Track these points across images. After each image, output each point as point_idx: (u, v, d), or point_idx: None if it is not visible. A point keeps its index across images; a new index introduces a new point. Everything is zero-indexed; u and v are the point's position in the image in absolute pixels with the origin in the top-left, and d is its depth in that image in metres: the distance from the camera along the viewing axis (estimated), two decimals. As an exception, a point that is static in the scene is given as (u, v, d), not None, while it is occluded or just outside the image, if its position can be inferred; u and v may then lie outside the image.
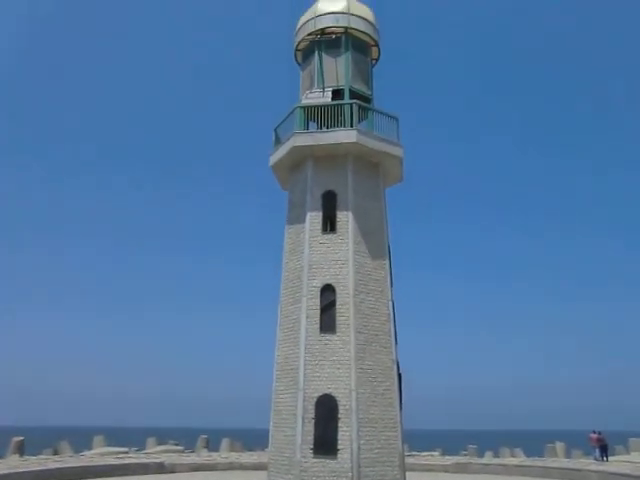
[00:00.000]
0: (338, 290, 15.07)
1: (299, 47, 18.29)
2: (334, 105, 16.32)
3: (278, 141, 17.28)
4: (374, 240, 16.07)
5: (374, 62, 18.64)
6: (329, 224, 15.84)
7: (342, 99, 16.68)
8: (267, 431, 15.62)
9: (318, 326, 14.85)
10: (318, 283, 15.23)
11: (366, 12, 17.88)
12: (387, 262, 16.25)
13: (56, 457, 26.62)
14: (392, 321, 15.74)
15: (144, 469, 22.78)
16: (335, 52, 17.31)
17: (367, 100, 17.40)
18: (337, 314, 14.88)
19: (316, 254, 15.52)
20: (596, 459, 28.18)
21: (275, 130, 17.55)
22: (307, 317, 14.96)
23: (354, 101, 16.29)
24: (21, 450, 27.59)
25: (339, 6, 17.47)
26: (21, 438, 28.55)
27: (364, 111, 16.79)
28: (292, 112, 16.75)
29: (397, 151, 16.68)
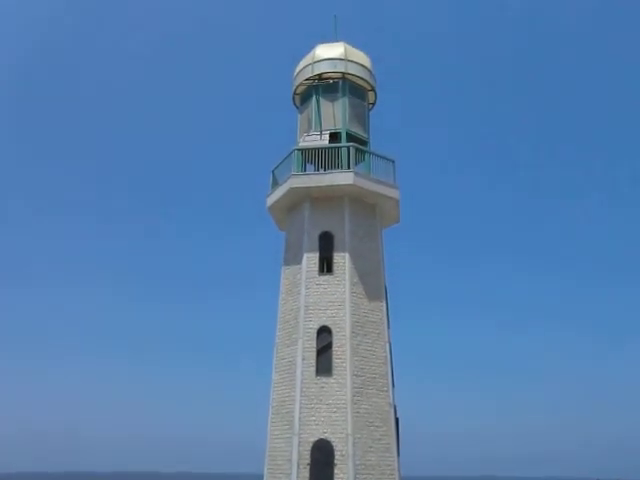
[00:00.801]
0: (335, 332, 14.96)
1: (297, 91, 18.72)
2: (331, 148, 16.59)
3: (275, 183, 17.48)
4: (371, 281, 16.06)
5: (371, 106, 19.06)
6: (326, 265, 15.85)
7: (339, 142, 16.98)
8: (261, 477, 15.21)
9: (314, 368, 14.66)
10: (314, 325, 15.12)
11: (363, 58, 18.39)
12: (384, 304, 16.19)
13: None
14: (389, 364, 15.56)
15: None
16: (332, 96, 17.71)
17: (364, 143, 17.71)
18: (333, 356, 14.72)
19: (313, 295, 15.46)
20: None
21: (273, 172, 17.77)
22: (303, 359, 14.79)
23: (351, 144, 16.57)
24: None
25: (336, 52, 17.99)
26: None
27: (361, 154, 17.05)
28: (290, 154, 17.00)
29: (393, 193, 16.87)
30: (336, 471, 13.69)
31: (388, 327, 16.08)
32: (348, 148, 16.43)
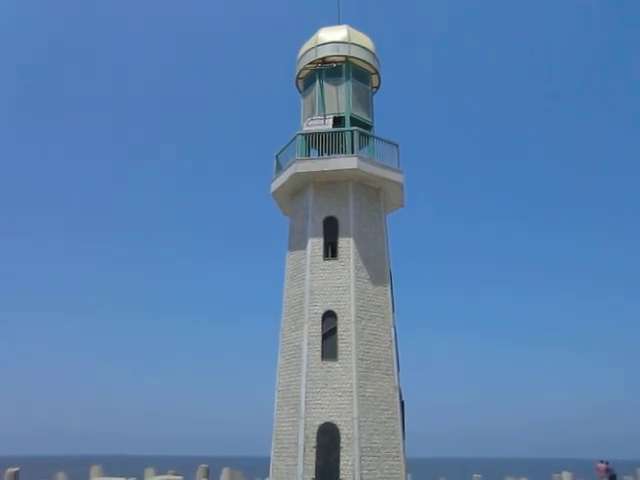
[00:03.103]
0: (340, 316, 14.99)
1: (300, 75, 18.56)
2: (335, 132, 16.49)
3: (279, 168, 17.42)
4: (375, 266, 16.06)
5: (374, 90, 18.91)
6: (330, 250, 15.84)
7: (343, 126, 16.87)
8: (268, 460, 15.36)
9: (320, 353, 14.73)
10: (319, 309, 15.16)
11: (366, 41, 18.20)
12: (389, 288, 16.21)
13: (53, 487, 26.11)
14: (394, 347, 15.61)
15: (142, 500, 22.29)
16: (336, 80, 17.57)
17: (368, 127, 17.59)
18: (339, 341, 14.77)
19: (317, 280, 15.48)
20: (603, 489, 27.58)
21: (276, 157, 17.71)
22: (309, 344, 14.85)
23: (355, 128, 16.47)
24: (17, 481, 27.07)
25: (340, 35, 17.80)
26: (16, 469, 28.05)
27: (365, 138, 16.95)
28: (293, 139, 16.92)
29: (397, 177, 16.79)
30: (342, 454, 13.81)
31: (393, 311, 16.10)
32: (352, 132, 16.33)
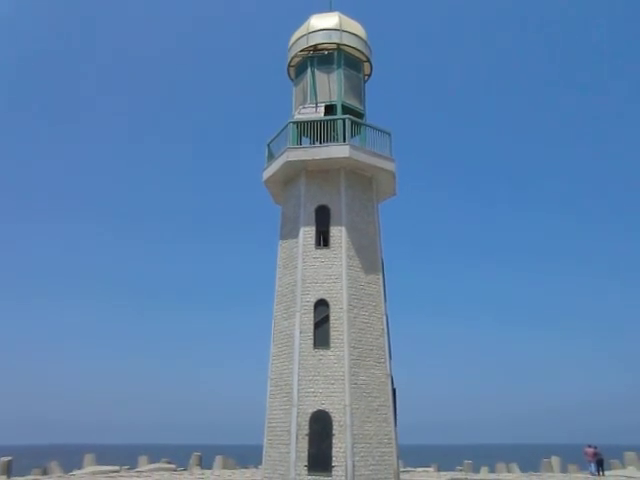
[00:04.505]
0: (332, 305, 15.03)
1: (292, 63, 18.43)
2: (327, 120, 16.41)
3: (271, 156, 17.34)
4: (368, 255, 16.08)
5: (366, 78, 18.81)
6: (322, 239, 15.84)
7: (335, 114, 16.79)
8: (261, 448, 15.45)
9: (312, 341, 14.77)
10: (312, 298, 15.18)
11: (358, 29, 18.07)
12: (381, 277, 16.25)
13: (45, 477, 26.14)
14: (386, 336, 15.69)
15: (136, 488, 22.36)
16: (327, 68, 17.45)
17: (359, 115, 17.53)
18: (331, 329, 14.82)
19: (309, 269, 15.49)
20: (592, 474, 28.03)
21: (268, 145, 17.62)
22: (301, 332, 14.89)
23: (347, 116, 16.39)
24: (8, 471, 27.02)
25: (331, 22, 17.66)
26: (8, 458, 28.02)
27: (357, 126, 16.90)
28: (285, 127, 16.82)
29: (390, 165, 16.77)
30: (334, 441, 13.90)
31: (385, 300, 16.16)
32: (344, 120, 16.26)
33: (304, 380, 14.45)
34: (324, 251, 15.65)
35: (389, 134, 17.16)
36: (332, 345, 14.68)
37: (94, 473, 27.60)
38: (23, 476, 27.07)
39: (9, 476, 26.26)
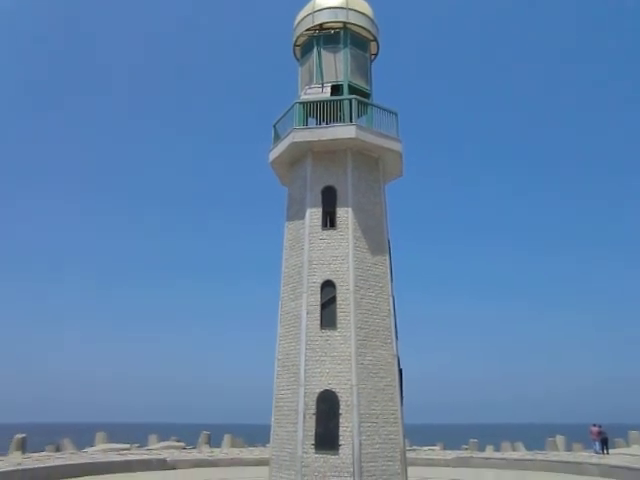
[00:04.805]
0: (338, 286, 15.08)
1: (297, 43, 18.23)
2: (333, 101, 16.29)
3: (277, 137, 17.27)
4: (374, 236, 16.07)
5: (373, 57, 18.60)
6: (329, 220, 15.83)
7: (341, 95, 16.65)
8: (269, 427, 15.66)
9: (319, 322, 14.86)
10: (318, 279, 15.24)
11: (365, 7, 17.81)
12: (387, 258, 16.26)
13: (58, 454, 26.72)
14: (393, 317, 15.75)
15: (146, 465, 22.86)
16: (334, 47, 17.25)
17: (366, 95, 17.37)
18: (338, 310, 14.89)
19: (316, 250, 15.52)
20: (596, 452, 28.29)
21: (274, 126, 17.53)
22: (308, 313, 14.97)
23: (353, 96, 16.25)
24: (23, 447, 27.70)
25: (337, 1, 17.40)
26: (23, 435, 28.67)
27: (363, 106, 16.75)
28: (291, 108, 16.71)
29: (396, 146, 16.66)
30: (341, 420, 14.06)
31: (391, 281, 16.19)
32: (350, 101, 16.13)
33: (311, 360, 14.58)
34: (330, 232, 15.65)
35: (396, 114, 17.02)
36: (339, 326, 14.77)
37: (105, 450, 28.16)
38: (37, 452, 27.70)
39: (24, 452, 26.91)
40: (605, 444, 28.53)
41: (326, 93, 16.62)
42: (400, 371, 15.55)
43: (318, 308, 14.98)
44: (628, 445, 33.00)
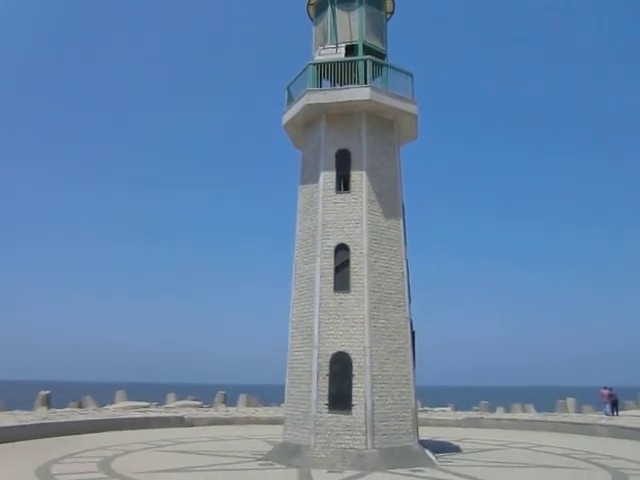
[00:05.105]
0: (352, 249, 15.13)
1: (311, 1, 17.79)
2: (348, 61, 15.98)
3: (291, 99, 17.06)
4: (388, 199, 16.00)
5: (389, 16, 18.11)
6: (343, 183, 15.77)
7: (356, 55, 16.32)
8: (283, 387, 16.01)
9: (332, 285, 14.98)
10: (332, 243, 15.29)
11: (380, -38, 17.23)
12: (401, 221, 16.22)
13: (81, 410, 27.69)
14: (406, 280, 15.82)
15: (165, 423, 23.58)
16: (348, 6, 16.82)
17: (381, 56, 17.00)
18: (351, 273, 14.98)
19: (330, 214, 15.52)
20: (606, 414, 28.57)
21: (288, 88, 17.29)
22: (321, 276, 15.09)
23: (368, 57, 15.93)
24: (48, 403, 28.79)
25: (352, -44, 16.85)
26: (47, 392, 29.75)
27: (378, 67, 16.42)
28: (305, 69, 16.44)
29: (412, 108, 16.39)
30: (354, 381, 14.33)
31: (405, 244, 16.20)
32: (365, 61, 15.81)
33: (324, 323, 14.77)
34: (344, 195, 15.61)
35: (411, 75, 16.68)
36: (352, 289, 14.88)
37: (125, 408, 29.10)
38: (61, 408, 28.75)
39: (49, 407, 28.00)
40: (615, 406, 28.78)
41: (340, 54, 16.30)
42: (413, 334, 15.72)
43: (332, 271, 15.08)
44: (638, 407, 33.29)
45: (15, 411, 25.70)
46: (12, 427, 18.39)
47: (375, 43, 16.97)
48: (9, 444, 16.89)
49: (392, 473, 12.82)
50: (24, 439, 17.75)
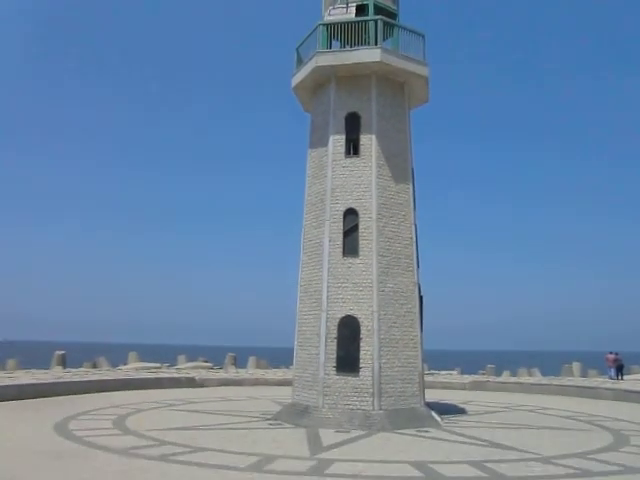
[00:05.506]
0: (361, 214, 15.10)
1: (321, -42, 17.25)
2: (358, 22, 15.61)
3: (300, 61, 16.76)
4: (398, 163, 15.86)
5: (401, -27, 17.55)
6: (352, 147, 15.62)
7: (366, 15, 15.92)
8: (291, 350, 16.27)
9: (341, 250, 15.03)
10: (341, 207, 15.26)
11: None
12: (410, 186, 16.11)
13: (95, 370, 28.41)
14: (414, 244, 15.83)
15: (176, 383, 24.14)
16: (359, -37, 16.28)
17: (392, 16, 16.57)
18: (360, 238, 15.00)
19: (339, 178, 15.44)
20: (611, 378, 28.88)
21: (297, 50, 16.96)
22: (330, 241, 15.13)
23: (379, 17, 15.53)
24: (63, 363, 29.59)
25: None
26: (63, 352, 30.53)
27: (389, 28, 16.03)
28: (314, 30, 16.08)
29: (423, 70, 16.06)
30: (362, 344, 14.51)
31: (414, 209, 16.13)
32: (376, 22, 15.43)
33: (333, 287, 14.88)
34: (354, 160, 15.49)
35: (423, 36, 16.27)
36: (361, 253, 14.92)
37: (138, 368, 29.80)
38: (76, 368, 29.54)
39: (64, 367, 28.79)
40: (620, 371, 29.07)
41: (351, 13, 15.92)
42: (421, 298, 15.81)
43: (340, 236, 15.10)
44: (644, 372, 33.57)
45: (32, 370, 26.46)
46: (30, 385, 19.00)
47: (386, 2, 16.52)
48: (27, 400, 17.60)
49: (398, 433, 13.11)
50: (41, 396, 18.44)
